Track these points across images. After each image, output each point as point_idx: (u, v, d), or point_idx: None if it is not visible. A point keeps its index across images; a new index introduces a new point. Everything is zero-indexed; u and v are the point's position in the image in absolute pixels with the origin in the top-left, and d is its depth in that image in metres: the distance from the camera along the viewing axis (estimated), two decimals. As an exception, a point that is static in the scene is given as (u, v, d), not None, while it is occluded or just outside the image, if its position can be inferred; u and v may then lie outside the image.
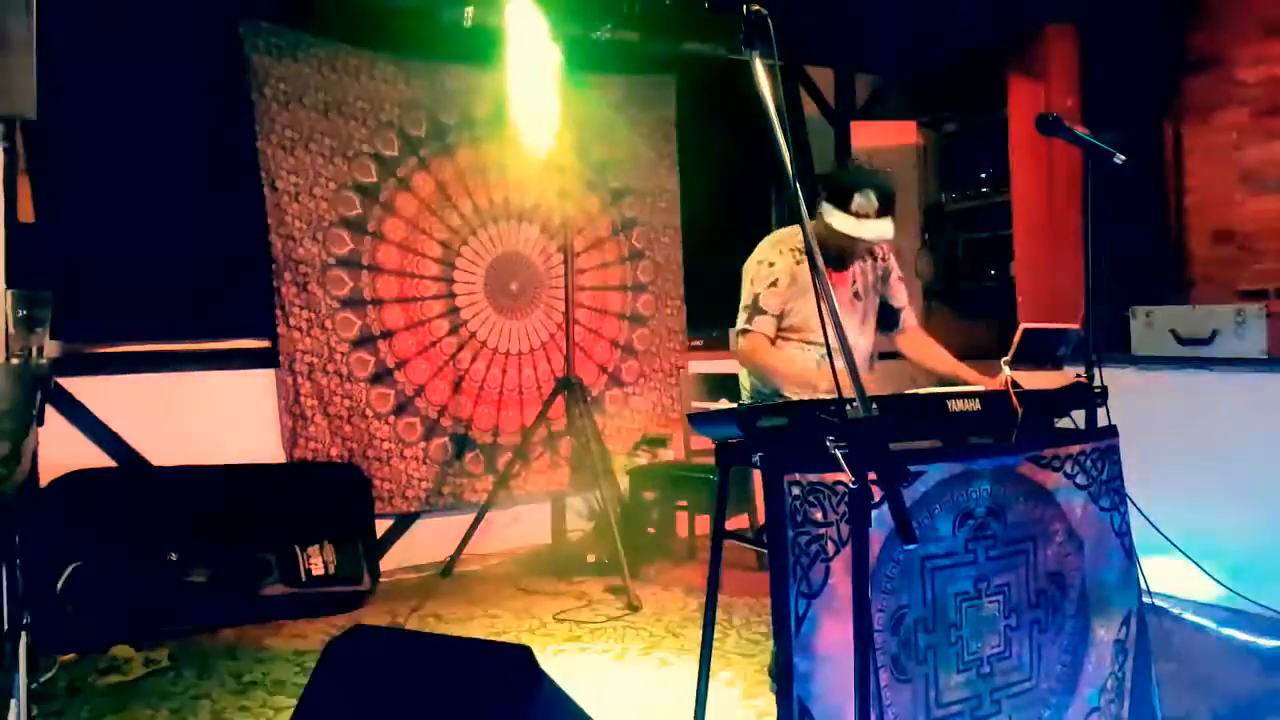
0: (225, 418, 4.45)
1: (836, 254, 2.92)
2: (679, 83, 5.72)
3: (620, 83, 5.47)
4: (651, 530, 5.31)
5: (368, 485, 4.63)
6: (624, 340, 5.60)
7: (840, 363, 1.74)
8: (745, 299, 2.97)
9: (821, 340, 1.74)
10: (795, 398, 2.76)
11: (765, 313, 2.92)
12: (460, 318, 5.05)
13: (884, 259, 3.14)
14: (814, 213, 2.89)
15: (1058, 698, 2.42)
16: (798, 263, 2.92)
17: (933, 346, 3.17)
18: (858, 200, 2.76)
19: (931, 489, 2.24)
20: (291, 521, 4.28)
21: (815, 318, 2.79)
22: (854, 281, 3.05)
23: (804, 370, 2.81)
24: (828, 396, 2.55)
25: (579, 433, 4.82)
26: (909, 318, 3.22)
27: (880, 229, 2.80)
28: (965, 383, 2.88)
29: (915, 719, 2.18)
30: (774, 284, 2.92)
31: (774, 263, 2.93)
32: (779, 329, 2.96)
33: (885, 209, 2.79)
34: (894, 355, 3.33)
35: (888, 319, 3.18)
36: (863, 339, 3.06)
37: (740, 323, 2.96)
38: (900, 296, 3.19)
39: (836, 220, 2.79)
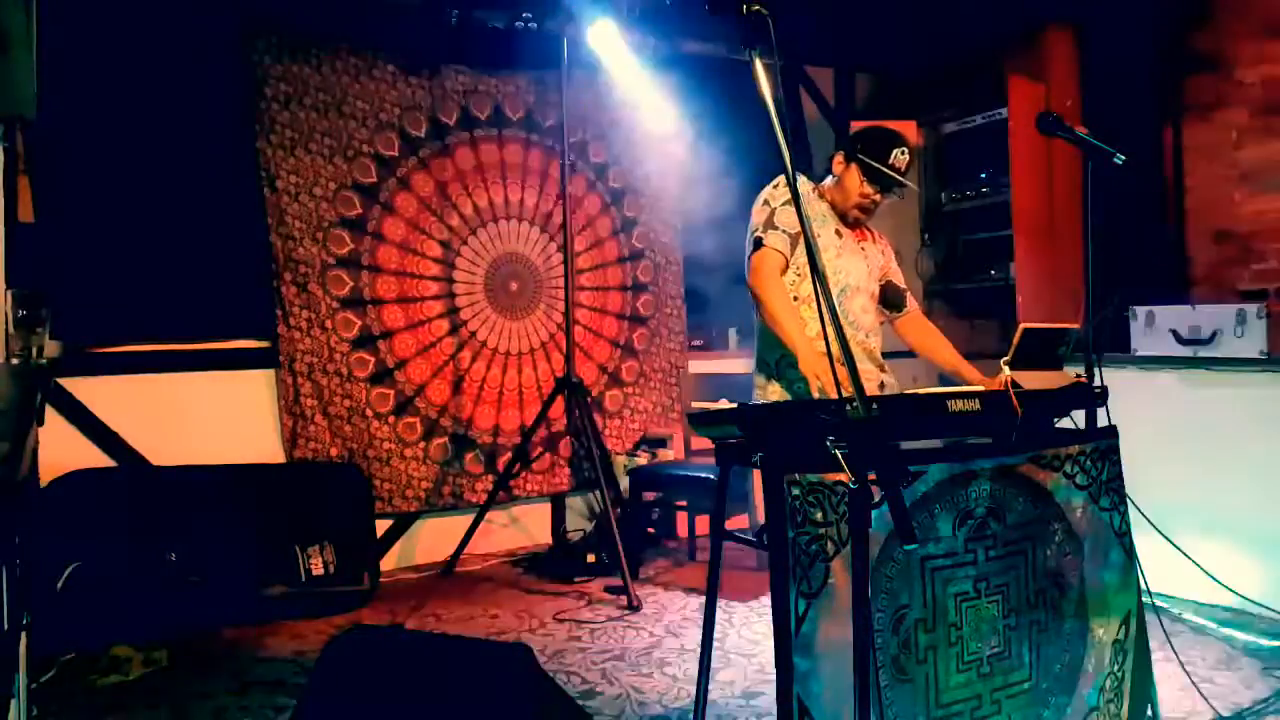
0: (225, 418, 4.45)
1: (856, 207, 3.06)
2: (679, 83, 5.72)
3: (620, 83, 5.46)
4: (651, 530, 5.31)
5: (368, 485, 4.63)
6: (624, 340, 5.60)
7: (837, 353, 1.74)
8: (759, 220, 3.00)
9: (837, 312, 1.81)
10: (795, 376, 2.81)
11: (778, 229, 2.96)
12: (460, 318, 5.05)
13: (881, 238, 3.25)
14: (840, 168, 3.06)
15: (1057, 698, 2.42)
16: (817, 197, 3.08)
17: (936, 335, 3.20)
18: (896, 154, 2.97)
19: (931, 489, 2.24)
20: (291, 521, 4.28)
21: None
22: (859, 239, 3.16)
23: (802, 341, 2.80)
24: (825, 395, 2.58)
25: (579, 433, 4.82)
26: (913, 301, 3.27)
27: (911, 180, 3.04)
28: (964, 378, 2.91)
29: (915, 719, 2.18)
30: (787, 203, 2.96)
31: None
32: (791, 260, 2.99)
33: (910, 166, 3.02)
34: (897, 354, 3.34)
35: (895, 299, 3.23)
36: (865, 293, 3.11)
37: (753, 234, 2.99)
38: (899, 276, 3.27)
39: (877, 165, 2.96)
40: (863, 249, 3.14)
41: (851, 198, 3.04)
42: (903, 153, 2.97)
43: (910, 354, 3.29)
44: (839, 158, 3.07)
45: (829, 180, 3.12)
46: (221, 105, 4.40)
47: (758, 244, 2.96)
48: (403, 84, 4.86)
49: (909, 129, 5.79)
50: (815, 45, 5.78)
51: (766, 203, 3.01)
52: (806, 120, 6.12)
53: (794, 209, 2.95)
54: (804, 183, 3.12)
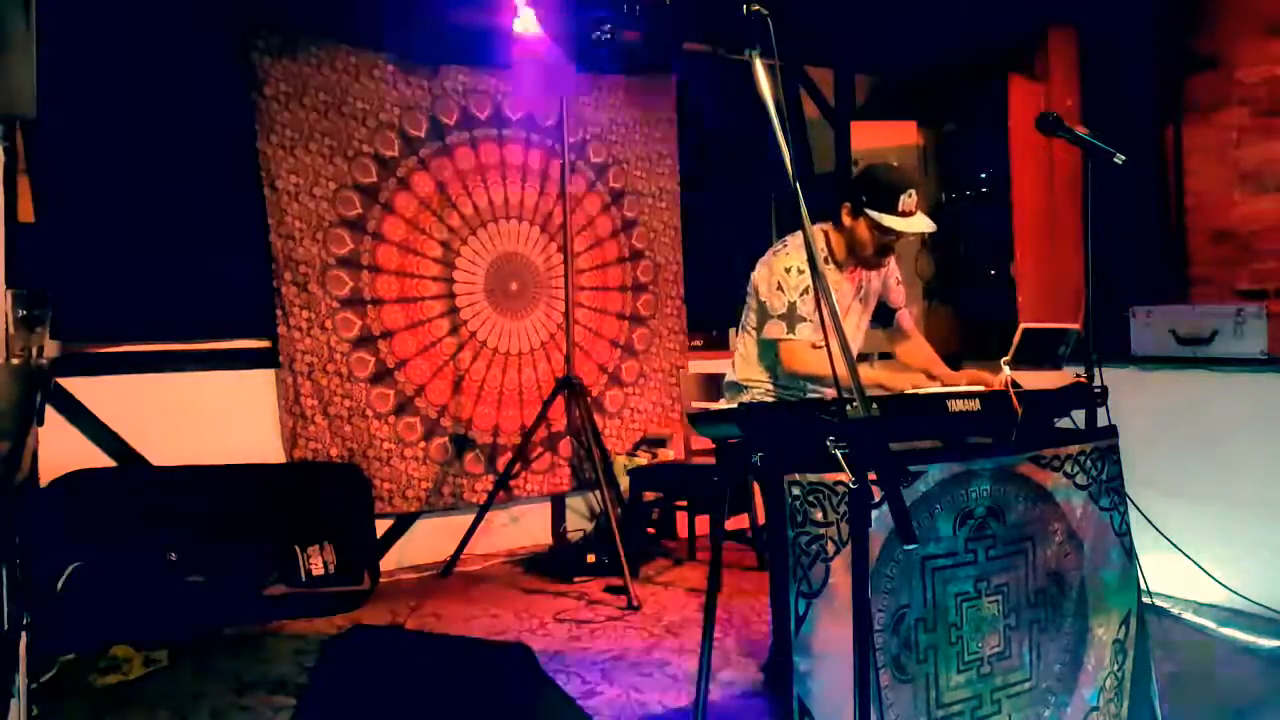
0: (225, 418, 4.44)
1: (872, 257, 3.04)
2: (679, 83, 5.72)
3: (620, 83, 5.47)
4: (651, 530, 5.30)
5: (368, 485, 4.63)
6: (624, 340, 5.60)
7: (842, 366, 1.75)
8: (779, 307, 2.96)
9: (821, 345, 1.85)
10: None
11: (805, 320, 2.95)
12: (460, 318, 5.05)
13: (886, 262, 3.20)
14: (849, 218, 3.00)
15: (1057, 697, 2.42)
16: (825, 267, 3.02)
17: (926, 352, 3.22)
18: (903, 200, 2.90)
19: (931, 489, 2.24)
20: (291, 521, 4.28)
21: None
22: (860, 286, 3.16)
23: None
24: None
25: (579, 433, 4.82)
26: (904, 319, 3.30)
27: (926, 222, 2.96)
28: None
29: (915, 719, 2.18)
30: (807, 290, 2.94)
31: (803, 269, 2.96)
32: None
33: (920, 203, 2.96)
34: (889, 354, 3.37)
35: (884, 316, 3.28)
36: (853, 343, 3.11)
37: (779, 332, 2.96)
38: (899, 298, 3.29)
39: (888, 221, 2.89)
40: (859, 299, 3.15)
41: (867, 248, 3.00)
42: (909, 195, 2.90)
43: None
44: (846, 209, 3.01)
45: (835, 225, 3.06)
46: (221, 105, 4.40)
47: (787, 338, 2.94)
48: (403, 84, 4.86)
49: (909, 129, 5.80)
50: (815, 45, 5.78)
51: (781, 289, 2.96)
52: (806, 120, 6.12)
53: (812, 296, 2.90)
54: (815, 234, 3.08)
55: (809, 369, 2.92)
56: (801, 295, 2.94)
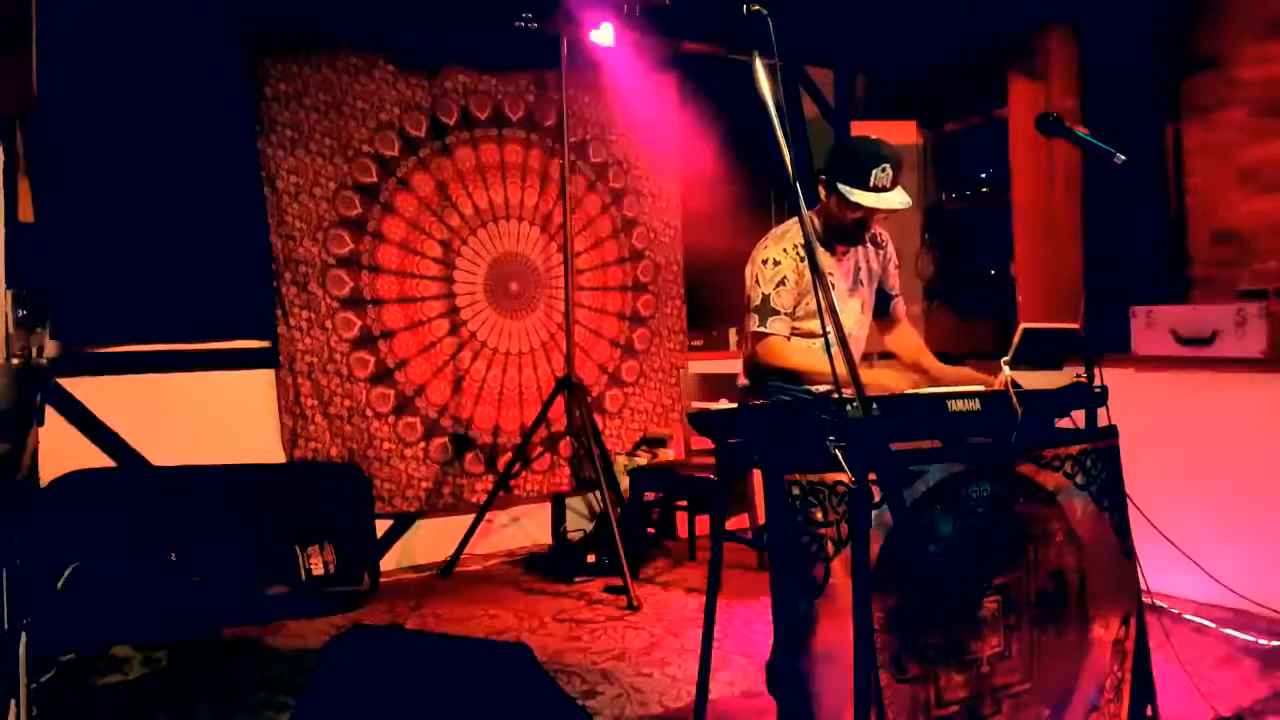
0: (225, 418, 4.45)
1: (850, 232, 2.93)
2: (679, 83, 5.72)
3: (620, 83, 5.46)
4: (651, 530, 5.30)
5: (368, 485, 4.63)
6: (624, 340, 5.60)
7: (841, 363, 1.75)
8: (754, 300, 2.90)
9: (820, 334, 1.83)
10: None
11: (779, 313, 2.88)
12: (460, 318, 5.05)
13: (885, 245, 3.15)
14: (823, 193, 2.91)
15: (1057, 698, 2.42)
16: (801, 259, 2.89)
17: (916, 342, 3.18)
18: (876, 174, 2.77)
19: (931, 489, 2.24)
20: (291, 521, 4.28)
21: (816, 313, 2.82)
22: (857, 269, 3.06)
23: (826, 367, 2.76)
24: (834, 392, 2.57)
25: (579, 433, 4.82)
26: (899, 306, 3.21)
27: (901, 198, 2.83)
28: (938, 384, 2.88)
29: (915, 719, 2.18)
30: (782, 282, 2.87)
31: (779, 261, 2.89)
32: (799, 308, 2.91)
33: (898, 178, 2.82)
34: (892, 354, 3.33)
35: (880, 304, 3.18)
36: (859, 329, 3.07)
37: (753, 325, 2.90)
38: (895, 283, 3.19)
39: (856, 196, 2.78)
40: (856, 284, 3.05)
41: (840, 225, 2.91)
42: (883, 170, 2.76)
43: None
44: (820, 184, 2.92)
45: (819, 207, 2.98)
46: (222, 105, 4.40)
47: (760, 332, 2.87)
48: (403, 84, 4.86)
49: (909, 129, 5.80)
50: (815, 45, 5.78)
51: (758, 281, 2.89)
52: (806, 120, 6.12)
53: (788, 289, 2.84)
54: (789, 228, 2.98)
55: (781, 363, 2.84)
56: (776, 288, 2.86)
